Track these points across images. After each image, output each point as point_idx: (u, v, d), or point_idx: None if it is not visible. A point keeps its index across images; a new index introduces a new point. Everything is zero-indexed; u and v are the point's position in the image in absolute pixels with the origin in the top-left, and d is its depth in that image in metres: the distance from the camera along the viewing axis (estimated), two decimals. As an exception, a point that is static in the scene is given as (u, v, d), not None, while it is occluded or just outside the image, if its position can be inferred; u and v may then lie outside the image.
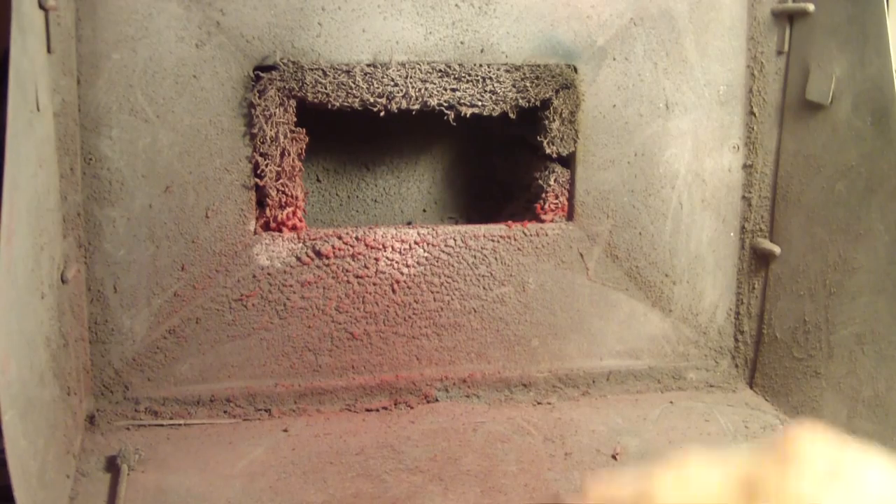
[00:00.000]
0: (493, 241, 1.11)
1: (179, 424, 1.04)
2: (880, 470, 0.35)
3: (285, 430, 1.05)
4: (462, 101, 1.07)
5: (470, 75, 1.06)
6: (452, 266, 1.10)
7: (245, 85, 1.01)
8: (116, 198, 1.00)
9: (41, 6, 0.89)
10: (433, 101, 1.06)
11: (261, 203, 1.06)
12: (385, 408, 1.11)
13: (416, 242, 1.09)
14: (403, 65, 1.04)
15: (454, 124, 1.07)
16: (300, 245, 1.06)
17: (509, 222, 1.12)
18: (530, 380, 1.15)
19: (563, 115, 1.10)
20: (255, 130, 1.02)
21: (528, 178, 1.20)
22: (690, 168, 1.16)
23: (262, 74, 1.01)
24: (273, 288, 1.06)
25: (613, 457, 1.01)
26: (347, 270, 1.07)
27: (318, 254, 1.06)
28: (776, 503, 0.33)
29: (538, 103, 1.10)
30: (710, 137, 1.16)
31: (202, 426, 1.04)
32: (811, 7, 1.10)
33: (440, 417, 1.09)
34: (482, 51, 1.07)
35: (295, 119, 1.04)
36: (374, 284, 1.08)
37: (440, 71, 1.05)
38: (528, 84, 1.08)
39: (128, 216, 1.01)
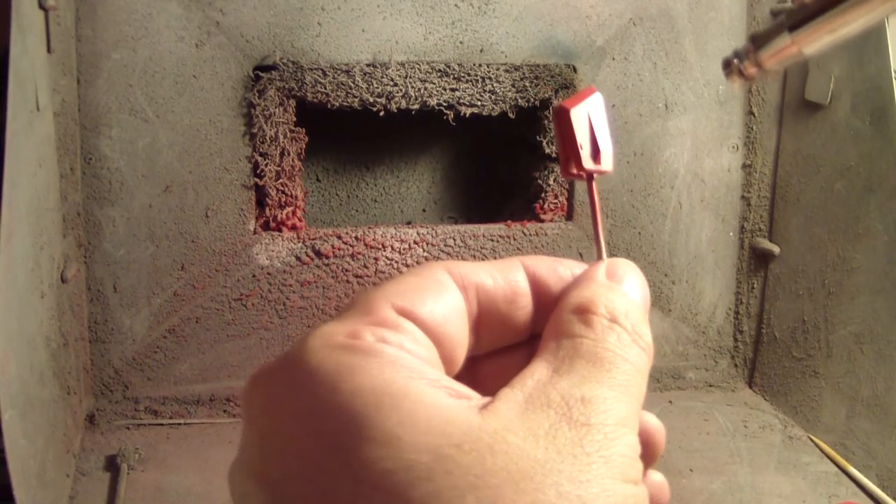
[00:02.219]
0: (492, 240, 1.11)
1: (179, 424, 1.04)
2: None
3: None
4: (461, 100, 1.07)
5: (469, 75, 1.06)
6: (452, 266, 1.10)
7: (245, 85, 1.01)
8: (116, 197, 1.00)
9: (41, 6, 0.89)
10: (433, 101, 1.06)
11: (260, 203, 1.06)
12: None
13: (415, 242, 1.09)
14: (403, 64, 1.04)
15: (454, 124, 1.08)
16: (300, 245, 1.06)
17: (509, 222, 1.12)
18: (530, 379, 1.15)
19: (563, 115, 1.10)
20: (255, 130, 1.02)
21: (528, 178, 1.20)
22: (689, 168, 1.16)
23: (261, 74, 1.01)
24: (273, 287, 1.06)
25: (612, 456, 1.01)
26: (347, 270, 1.07)
27: (318, 253, 1.06)
28: None
29: (538, 103, 1.10)
30: (710, 137, 1.16)
31: (202, 425, 1.04)
32: (810, 7, 1.10)
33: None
34: (482, 50, 1.07)
35: (295, 119, 1.04)
36: (374, 284, 1.08)
37: (440, 71, 1.05)
38: (527, 84, 1.08)
39: (128, 216, 1.01)
